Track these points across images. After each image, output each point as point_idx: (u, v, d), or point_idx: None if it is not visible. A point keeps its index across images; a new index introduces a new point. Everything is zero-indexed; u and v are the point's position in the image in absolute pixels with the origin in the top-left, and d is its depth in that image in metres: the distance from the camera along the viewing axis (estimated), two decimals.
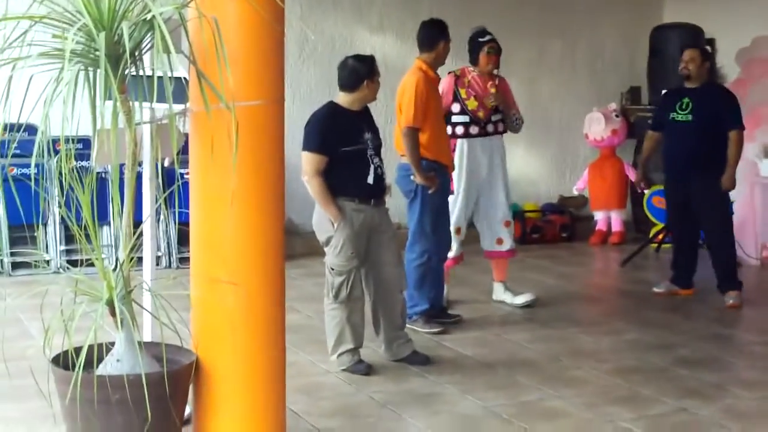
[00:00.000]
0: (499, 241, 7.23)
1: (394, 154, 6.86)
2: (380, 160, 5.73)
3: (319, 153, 5.52)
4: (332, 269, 5.59)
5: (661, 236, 9.46)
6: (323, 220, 5.61)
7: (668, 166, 7.59)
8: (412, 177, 6.38)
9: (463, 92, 7.02)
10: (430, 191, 6.37)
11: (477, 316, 7.02)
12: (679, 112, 7.39)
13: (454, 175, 6.91)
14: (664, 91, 8.37)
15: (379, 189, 5.71)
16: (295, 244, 8.75)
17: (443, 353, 6.08)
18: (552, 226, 10.35)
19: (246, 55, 3.69)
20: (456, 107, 7.00)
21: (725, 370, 5.86)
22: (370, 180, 5.62)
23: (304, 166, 5.55)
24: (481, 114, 7.02)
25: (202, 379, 3.80)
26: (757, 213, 9.00)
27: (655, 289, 7.72)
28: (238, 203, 3.66)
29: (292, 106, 9.13)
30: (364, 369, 5.62)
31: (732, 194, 7.69)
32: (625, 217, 10.50)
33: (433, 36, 6.61)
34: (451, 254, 6.99)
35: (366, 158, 5.62)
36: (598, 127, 10.37)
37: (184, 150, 3.78)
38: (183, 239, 8.02)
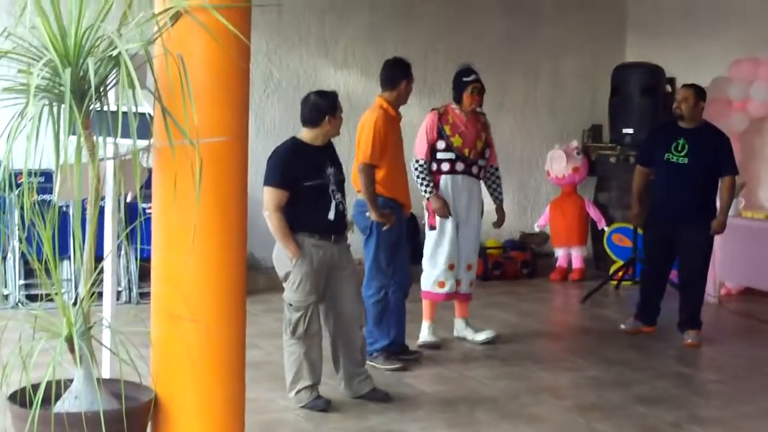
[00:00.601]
0: (458, 283, 7.21)
1: (353, 190, 6.89)
2: (342, 195, 5.75)
3: (279, 188, 5.53)
4: (290, 305, 5.60)
5: (620, 273, 9.53)
6: (282, 256, 5.62)
7: (659, 206, 7.51)
8: (367, 214, 6.41)
9: (447, 129, 7.03)
10: (384, 228, 6.40)
11: (437, 353, 7.03)
12: (674, 153, 7.35)
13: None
14: (631, 129, 8.40)
15: (340, 225, 5.72)
16: (257, 279, 8.73)
17: (403, 390, 6.08)
18: (513, 263, 10.40)
19: (211, 91, 3.70)
20: (441, 144, 7.02)
21: (683, 408, 5.90)
22: (331, 216, 5.63)
23: (265, 201, 5.56)
24: (466, 152, 7.05)
25: (160, 416, 3.77)
26: (716, 251, 9.09)
27: (622, 326, 7.71)
28: (201, 239, 3.65)
29: (256, 141, 9.10)
30: (322, 405, 5.61)
31: None
32: (586, 254, 10.57)
33: (395, 75, 6.66)
34: (444, 290, 7.11)
35: (328, 193, 5.64)
36: (559, 164, 10.45)
37: (147, 185, 3.78)
38: (144, 274, 7.98)
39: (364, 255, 6.66)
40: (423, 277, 7.16)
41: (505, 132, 10.99)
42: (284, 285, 5.65)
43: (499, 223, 7.42)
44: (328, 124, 5.69)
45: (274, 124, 9.68)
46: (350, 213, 6.26)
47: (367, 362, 6.06)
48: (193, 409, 3.77)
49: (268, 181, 5.59)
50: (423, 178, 6.96)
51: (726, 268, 9.09)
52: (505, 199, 10.96)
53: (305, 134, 5.72)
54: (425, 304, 7.18)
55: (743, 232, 8.89)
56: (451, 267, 7.08)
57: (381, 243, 6.48)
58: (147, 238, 3.96)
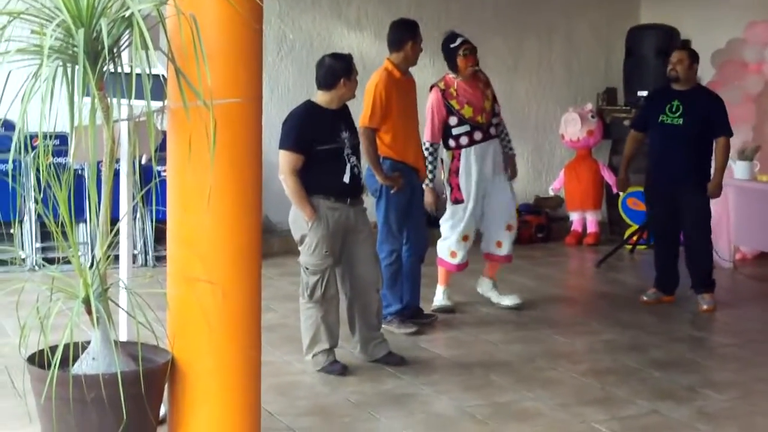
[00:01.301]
0: (498, 244, 7.19)
1: None
2: (357, 159, 5.73)
3: (295, 152, 5.51)
4: (307, 268, 5.59)
5: (635, 238, 9.51)
6: (299, 219, 5.60)
7: (655, 169, 7.47)
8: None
9: (455, 103, 6.89)
10: (393, 191, 6.37)
11: (452, 316, 7.03)
12: (669, 114, 7.31)
13: (462, 183, 6.95)
14: (646, 92, 8.37)
15: (356, 188, 5.70)
16: (272, 242, 8.74)
17: (419, 354, 6.08)
18: (528, 227, 10.36)
19: (224, 52, 3.68)
20: (453, 120, 6.90)
21: (697, 372, 5.89)
22: (346, 179, 5.61)
23: (281, 165, 5.54)
24: (480, 119, 6.94)
25: (177, 378, 3.78)
26: (730, 215, 9.06)
27: (644, 297, 7.61)
28: (216, 201, 3.65)
29: (270, 104, 9.16)
30: (339, 369, 5.62)
31: None
32: (601, 218, 10.54)
33: (400, 36, 6.58)
34: (455, 261, 7.05)
35: (343, 157, 5.62)
36: (574, 127, 10.40)
37: (161, 147, 3.76)
38: (160, 237, 7.99)
39: (376, 218, 6.64)
40: (439, 242, 7.13)
41: (520, 95, 10.96)
42: (300, 248, 5.64)
43: (512, 175, 7.29)
44: (343, 87, 5.65)
45: (287, 87, 9.65)
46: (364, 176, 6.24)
47: (383, 326, 6.06)
48: (210, 371, 3.78)
49: (284, 144, 5.57)
50: (428, 164, 6.80)
51: (741, 232, 9.05)
52: (520, 162, 10.98)
53: (320, 97, 5.69)
54: (439, 270, 7.17)
55: (758, 196, 8.85)
56: (465, 238, 7.02)
57: (390, 206, 6.46)
58: (162, 200, 3.95)
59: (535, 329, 6.77)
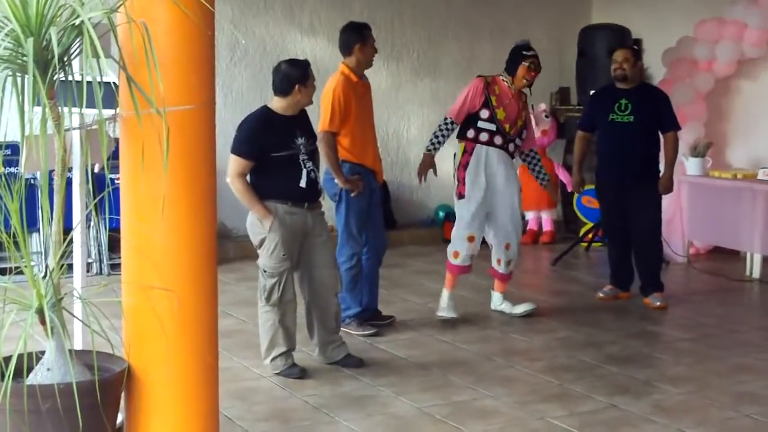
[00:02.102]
0: (499, 261, 7.13)
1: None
2: (314, 164, 5.73)
3: (244, 158, 5.52)
4: (265, 271, 5.59)
5: (590, 235, 9.60)
6: (256, 222, 5.60)
7: (606, 167, 7.52)
8: (335, 180, 6.40)
9: (494, 99, 6.81)
10: (353, 194, 6.39)
11: (410, 317, 7.06)
12: (618, 113, 7.38)
13: (468, 179, 6.84)
14: (592, 91, 8.46)
15: (313, 192, 5.71)
16: (228, 248, 8.73)
17: (377, 355, 6.11)
18: None
19: (176, 59, 3.67)
20: (485, 113, 6.81)
21: (653, 367, 5.96)
22: (303, 184, 5.62)
23: (229, 167, 5.55)
24: (507, 127, 6.84)
25: (134, 386, 3.77)
26: (683, 211, 9.17)
27: (600, 294, 7.71)
28: (170, 208, 3.64)
29: (223, 110, 9.13)
30: (297, 372, 5.63)
31: None
32: (556, 216, 10.62)
33: (347, 40, 6.59)
34: (456, 261, 6.93)
35: (298, 162, 5.62)
36: None
37: (114, 155, 3.75)
38: (114, 245, 7.94)
39: (336, 222, 6.64)
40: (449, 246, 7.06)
41: None
42: (258, 252, 5.64)
43: (554, 198, 7.33)
44: (298, 94, 5.64)
45: (241, 92, 9.64)
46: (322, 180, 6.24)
47: (341, 328, 6.07)
48: (167, 379, 3.77)
49: (235, 149, 5.58)
50: (437, 136, 6.86)
51: (694, 227, 9.17)
52: None
53: (276, 103, 5.69)
54: (446, 275, 7.02)
55: (711, 191, 8.97)
56: (470, 239, 6.88)
57: (351, 209, 6.48)
58: (116, 209, 3.93)
59: (492, 328, 6.82)
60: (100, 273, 8.30)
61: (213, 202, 3.92)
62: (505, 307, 7.19)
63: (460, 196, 6.89)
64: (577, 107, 10.41)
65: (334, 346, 5.87)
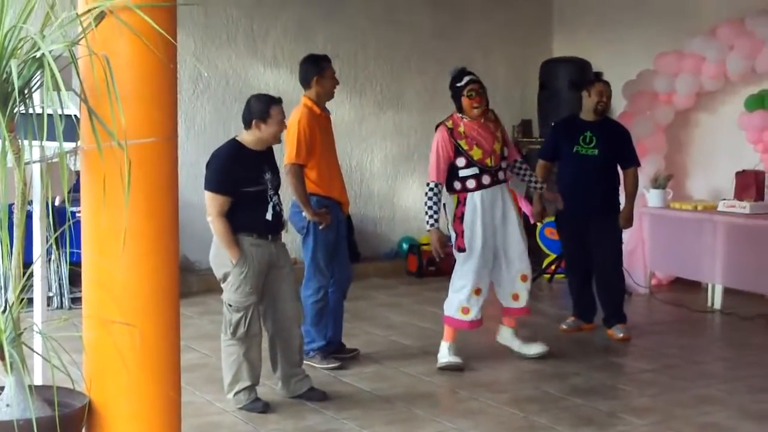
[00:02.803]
0: (515, 297, 6.77)
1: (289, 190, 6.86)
2: (278, 197, 5.72)
3: (220, 194, 5.49)
4: (230, 305, 5.55)
5: (553, 267, 9.63)
6: (220, 256, 5.57)
7: (568, 198, 7.48)
8: (303, 213, 6.38)
9: (463, 143, 6.47)
10: (321, 227, 6.37)
11: (374, 350, 7.04)
12: (583, 145, 7.43)
13: (467, 230, 6.51)
14: (554, 122, 8.49)
15: (277, 225, 5.70)
16: (190, 281, 8.68)
17: (341, 389, 6.08)
18: (449, 259, 10.34)
19: (138, 92, 3.65)
20: (461, 161, 6.48)
21: (617, 398, 5.98)
22: (269, 216, 5.61)
23: (208, 207, 5.51)
24: (489, 162, 6.50)
25: (95, 421, 3.72)
26: (645, 243, 9.23)
27: (563, 326, 7.71)
28: (131, 242, 3.61)
29: (186, 142, 9.12)
30: (261, 407, 5.58)
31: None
32: None
33: (306, 72, 6.61)
34: (468, 317, 6.57)
35: (265, 197, 5.60)
36: None
37: (75, 188, 3.72)
38: (75, 279, 7.87)
39: (303, 255, 6.61)
40: (447, 301, 6.67)
41: None
42: (222, 286, 5.61)
43: (551, 208, 7.22)
44: (257, 129, 5.58)
45: (204, 125, 9.62)
46: (287, 213, 6.22)
47: (305, 362, 6.04)
48: (128, 414, 3.72)
49: (209, 186, 5.55)
50: (430, 207, 6.45)
51: (656, 258, 9.23)
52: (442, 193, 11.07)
53: (245, 136, 5.68)
54: (446, 328, 6.67)
55: (672, 223, 9.04)
56: (477, 292, 6.54)
57: (318, 243, 6.45)
58: (77, 242, 3.89)
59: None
60: (61, 307, 8.21)
61: (175, 236, 3.89)
62: (515, 344, 6.90)
63: (460, 249, 6.56)
64: (539, 139, 10.47)
65: (297, 380, 5.83)
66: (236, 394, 5.60)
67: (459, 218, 6.55)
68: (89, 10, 3.43)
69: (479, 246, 6.49)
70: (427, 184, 6.52)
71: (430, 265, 10.27)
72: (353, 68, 10.45)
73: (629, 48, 10.28)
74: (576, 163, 7.46)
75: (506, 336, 6.95)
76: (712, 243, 8.62)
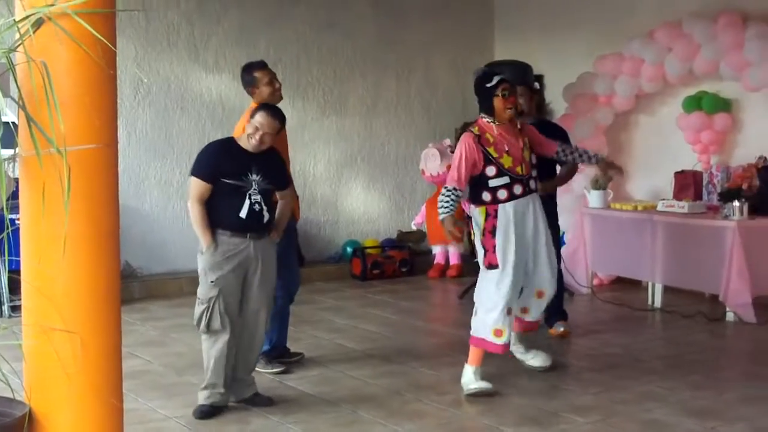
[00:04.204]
0: (524, 310, 6.38)
1: None
2: (264, 199, 5.67)
3: (202, 179, 5.57)
4: (198, 298, 5.59)
5: None
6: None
7: None
8: None
9: (492, 151, 5.97)
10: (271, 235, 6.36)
11: (319, 354, 7.04)
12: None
13: (499, 245, 5.98)
14: None
15: (255, 224, 5.64)
16: (132, 288, 8.61)
17: (286, 393, 6.07)
18: (392, 262, 10.49)
19: (77, 98, 3.63)
20: (491, 170, 5.97)
21: (560, 398, 6.03)
22: (243, 214, 5.57)
23: (189, 191, 5.64)
24: (520, 170, 6.02)
25: (36, 431, 3.69)
26: (587, 243, 9.34)
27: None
28: (71, 249, 3.58)
29: (127, 149, 9.07)
30: (200, 413, 5.57)
31: (563, 225, 7.92)
32: (463, 250, 10.72)
33: (245, 82, 6.64)
34: (501, 340, 6.01)
35: (244, 195, 5.58)
36: (434, 162, 10.57)
37: (14, 195, 3.69)
38: (14, 287, 7.77)
39: None
40: (476, 321, 6.13)
41: (380, 133, 11.11)
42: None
43: (617, 171, 6.90)
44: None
45: (145, 131, 9.54)
46: None
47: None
48: (70, 423, 3.70)
49: (194, 171, 5.68)
50: (446, 203, 5.98)
51: (597, 259, 9.34)
52: (382, 198, 11.14)
53: (241, 137, 5.76)
54: (473, 350, 6.15)
55: (612, 223, 9.16)
56: (509, 312, 6.03)
57: None
58: (16, 250, 3.86)
59: (400, 363, 6.83)
60: (0, 315, 8.11)
61: (116, 242, 3.87)
62: (518, 351, 6.55)
63: (491, 266, 6.00)
64: None
65: (245, 384, 5.82)
66: (202, 390, 5.65)
67: (490, 232, 6.01)
68: (27, 17, 3.40)
69: (512, 261, 5.98)
70: (446, 188, 6.02)
71: (374, 268, 10.31)
72: (296, 73, 10.45)
73: (570, 51, 10.40)
74: None
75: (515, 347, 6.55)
76: (651, 242, 8.74)
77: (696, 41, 8.88)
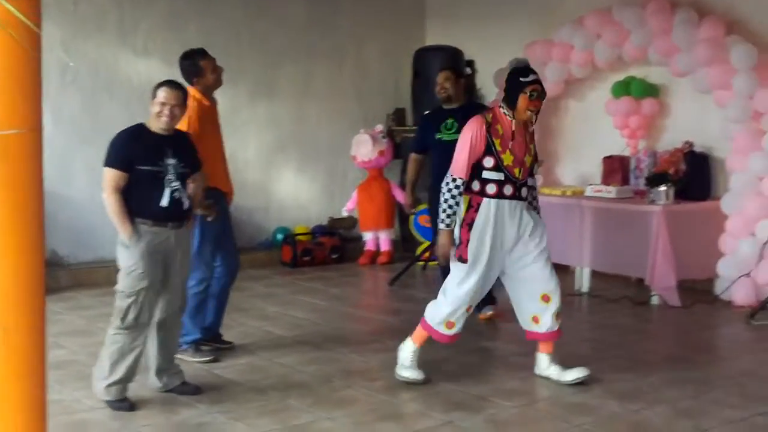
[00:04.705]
0: (535, 320, 6.10)
1: None
2: (183, 185, 5.63)
3: (115, 168, 5.44)
4: (122, 291, 5.47)
5: (427, 254, 9.75)
6: (119, 244, 5.52)
7: (436, 184, 7.60)
8: None
9: (497, 143, 5.78)
10: (208, 219, 6.32)
11: (249, 341, 7.03)
12: (445, 132, 7.58)
13: (473, 240, 5.81)
14: (425, 113, 8.63)
15: (176, 212, 5.59)
16: (59, 276, 8.49)
17: (214, 381, 6.05)
18: (322, 248, 10.49)
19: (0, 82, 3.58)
20: (489, 161, 5.78)
21: (488, 382, 6.09)
22: (164, 203, 5.50)
23: (104, 182, 5.46)
24: (517, 172, 5.84)
25: None
26: None
27: None
28: None
29: (54, 132, 8.93)
30: (127, 407, 5.47)
31: None
32: (394, 236, 10.77)
33: (186, 74, 6.59)
34: (450, 332, 5.97)
35: (162, 181, 5.51)
36: (365, 148, 10.60)
37: None
38: None
39: None
40: (433, 306, 6.02)
41: (311, 118, 11.09)
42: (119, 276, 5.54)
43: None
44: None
45: (72, 116, 9.41)
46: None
47: (177, 355, 5.99)
48: None
49: (106, 161, 5.52)
50: (450, 205, 5.77)
51: None
52: (313, 185, 11.14)
53: (149, 121, 5.65)
54: (419, 331, 6.06)
55: (542, 208, 9.20)
56: (468, 309, 5.96)
57: (206, 235, 6.41)
58: None
59: (330, 349, 6.85)
60: None
61: (41, 230, 3.81)
62: (553, 372, 6.11)
63: (461, 260, 5.84)
64: (413, 128, 10.58)
65: (170, 374, 5.77)
66: (108, 386, 5.48)
67: (468, 224, 5.84)
68: None
69: (484, 262, 5.83)
70: (453, 179, 5.79)
71: (304, 255, 10.31)
72: (226, 59, 10.22)
73: (500, 37, 10.48)
74: (440, 150, 7.56)
75: (542, 365, 6.19)
76: (580, 227, 8.86)
77: (625, 28, 9.00)
